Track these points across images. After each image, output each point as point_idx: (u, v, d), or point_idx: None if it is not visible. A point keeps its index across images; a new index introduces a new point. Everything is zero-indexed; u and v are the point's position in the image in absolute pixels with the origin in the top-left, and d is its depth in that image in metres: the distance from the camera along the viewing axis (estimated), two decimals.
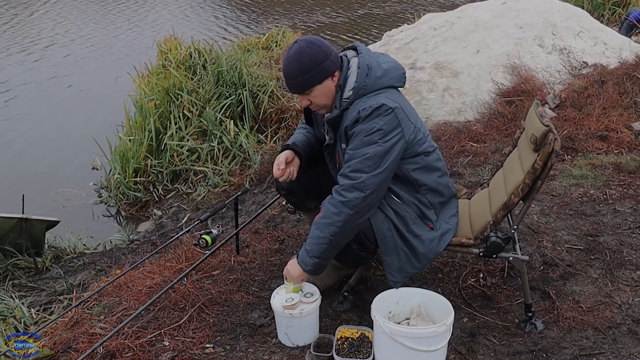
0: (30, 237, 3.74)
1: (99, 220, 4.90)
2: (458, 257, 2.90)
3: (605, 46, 5.56)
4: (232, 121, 5.05)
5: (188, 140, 4.98)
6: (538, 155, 2.14)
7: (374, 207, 2.18)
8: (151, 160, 4.98)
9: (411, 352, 2.06)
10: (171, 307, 2.62)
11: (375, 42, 7.11)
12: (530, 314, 2.40)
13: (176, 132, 5.00)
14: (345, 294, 2.56)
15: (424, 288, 2.38)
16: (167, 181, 4.92)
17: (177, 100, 5.19)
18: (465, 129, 4.62)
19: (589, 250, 2.91)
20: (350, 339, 2.27)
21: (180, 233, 3.17)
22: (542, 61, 5.28)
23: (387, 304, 2.28)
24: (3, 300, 3.10)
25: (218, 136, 4.95)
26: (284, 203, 3.14)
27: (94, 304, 2.77)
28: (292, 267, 2.28)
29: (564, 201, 3.42)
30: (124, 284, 2.86)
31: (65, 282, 3.41)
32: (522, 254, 2.34)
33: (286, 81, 2.25)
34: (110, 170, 5.37)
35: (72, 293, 3.21)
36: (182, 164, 4.92)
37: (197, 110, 5.13)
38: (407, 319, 2.31)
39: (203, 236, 2.66)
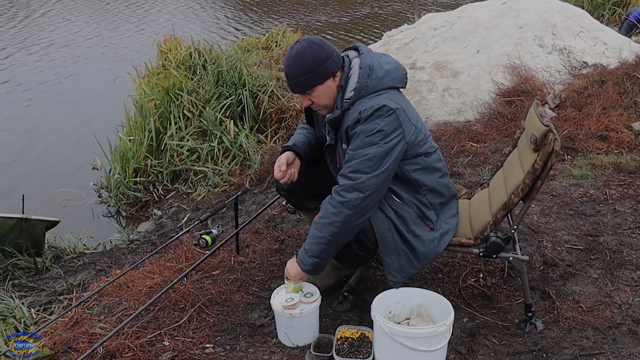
0: (30, 237, 3.74)
1: (99, 220, 4.90)
2: (458, 257, 2.90)
3: (605, 46, 5.56)
4: (232, 121, 5.06)
5: (188, 140, 4.99)
6: (538, 155, 2.14)
7: (373, 208, 2.18)
8: (151, 160, 4.99)
9: (411, 352, 2.06)
10: (171, 307, 2.62)
11: (376, 42, 7.12)
12: (530, 314, 2.40)
13: (176, 132, 5.00)
14: (345, 294, 2.56)
15: (424, 288, 2.38)
16: (167, 181, 4.92)
17: (177, 100, 5.20)
18: (465, 129, 4.62)
19: (589, 250, 2.91)
20: (350, 339, 2.27)
21: (180, 233, 3.17)
22: (542, 61, 5.28)
23: (387, 304, 2.28)
24: (3, 300, 3.10)
25: (218, 136, 4.95)
26: (284, 203, 3.14)
27: (94, 304, 2.77)
28: (291, 266, 2.28)
29: (564, 201, 3.42)
30: (124, 284, 2.86)
31: (65, 282, 3.41)
32: (522, 254, 2.34)
33: (287, 81, 2.25)
34: (110, 170, 5.37)
35: (72, 293, 3.21)
36: (182, 164, 4.92)
37: (197, 110, 5.14)
38: (407, 319, 2.31)
39: (203, 236, 2.66)
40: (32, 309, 3.05)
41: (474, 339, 2.36)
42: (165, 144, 5.00)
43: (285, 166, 2.40)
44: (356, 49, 2.30)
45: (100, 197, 5.18)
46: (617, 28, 7.05)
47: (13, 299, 3.10)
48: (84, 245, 4.19)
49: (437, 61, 5.41)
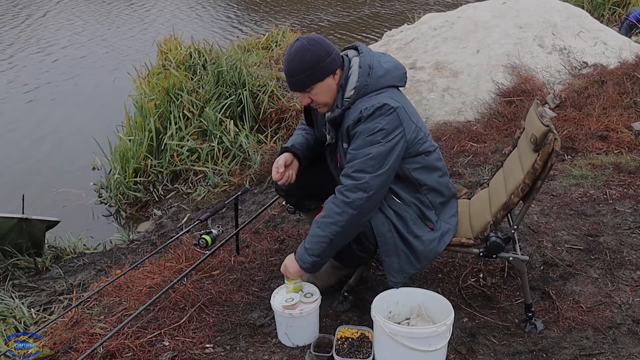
0: (30, 237, 3.74)
1: (99, 220, 4.90)
2: (458, 257, 2.90)
3: (605, 46, 5.56)
4: (232, 121, 5.05)
5: (188, 140, 4.98)
6: (538, 155, 2.14)
7: (376, 207, 2.18)
8: (151, 160, 4.99)
9: (411, 352, 2.06)
10: (171, 307, 2.62)
11: (376, 42, 7.11)
12: (530, 314, 2.40)
13: (176, 132, 5.00)
14: (345, 294, 2.56)
15: (424, 288, 2.38)
16: (167, 181, 4.92)
17: (177, 100, 5.20)
18: (465, 129, 4.61)
19: (589, 250, 2.91)
20: (350, 339, 2.27)
21: (180, 233, 3.17)
22: (542, 61, 5.28)
23: (387, 304, 2.28)
24: (3, 300, 3.10)
25: (218, 136, 4.95)
26: (283, 203, 3.14)
27: (94, 304, 2.77)
28: (290, 263, 2.28)
29: (564, 201, 3.42)
30: (124, 284, 2.86)
31: (65, 282, 3.40)
32: (522, 254, 2.34)
33: (287, 79, 2.25)
34: (110, 170, 5.37)
35: (72, 293, 3.21)
36: (182, 164, 4.92)
37: (197, 110, 5.14)
38: (407, 319, 2.31)
39: (203, 236, 2.66)
40: (32, 309, 3.05)
41: (474, 339, 2.36)
42: (165, 144, 5.00)
43: (283, 168, 2.40)
44: (355, 48, 2.30)
45: (100, 197, 5.18)
46: (617, 28, 7.05)
47: (13, 299, 3.10)
48: (84, 245, 4.18)
49: (437, 61, 5.41)
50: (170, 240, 3.12)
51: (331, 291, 2.60)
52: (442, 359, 2.18)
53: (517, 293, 2.62)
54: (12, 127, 6.91)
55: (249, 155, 4.81)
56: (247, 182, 4.44)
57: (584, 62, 5.32)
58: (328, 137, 2.33)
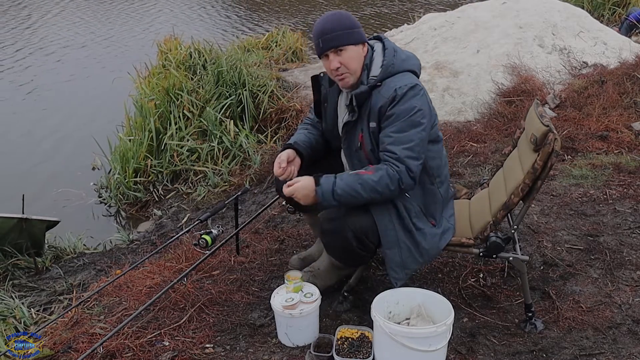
0: (30, 237, 3.74)
1: (99, 220, 4.90)
2: (458, 257, 2.90)
3: (605, 46, 5.56)
4: (232, 121, 5.05)
5: (188, 140, 4.98)
6: (538, 155, 2.14)
7: None
8: (151, 160, 4.99)
9: (411, 352, 2.06)
10: (171, 307, 2.62)
11: None
12: (530, 314, 2.40)
13: (176, 132, 5.00)
14: (345, 294, 2.56)
15: (424, 288, 2.38)
16: (167, 181, 4.92)
17: (177, 100, 5.19)
18: (465, 129, 4.61)
19: (589, 250, 2.91)
20: (350, 339, 2.27)
21: (180, 233, 3.17)
22: (542, 61, 5.28)
23: (387, 304, 2.28)
24: (3, 300, 3.10)
25: (218, 136, 4.95)
26: (283, 203, 3.14)
27: (94, 304, 2.77)
28: (306, 187, 2.19)
29: (564, 201, 3.42)
30: (124, 284, 2.86)
31: (65, 282, 3.41)
32: (522, 254, 2.34)
33: (321, 37, 2.20)
34: (110, 170, 5.37)
35: (72, 293, 3.21)
36: (182, 164, 4.92)
37: (197, 110, 5.14)
38: (407, 319, 2.31)
39: (203, 236, 2.66)
40: (32, 309, 3.05)
41: (474, 339, 2.36)
42: (165, 144, 5.00)
43: (285, 163, 2.39)
44: (377, 37, 2.36)
45: (100, 197, 5.18)
46: (617, 28, 7.04)
47: (13, 299, 3.11)
48: (84, 245, 4.18)
49: (437, 61, 5.41)
50: (170, 240, 3.12)
51: (331, 291, 2.60)
52: (442, 359, 2.18)
53: (517, 293, 2.62)
54: (12, 127, 6.91)
55: (249, 155, 4.81)
56: (247, 182, 4.44)
57: (584, 62, 5.32)
58: (348, 115, 2.30)
